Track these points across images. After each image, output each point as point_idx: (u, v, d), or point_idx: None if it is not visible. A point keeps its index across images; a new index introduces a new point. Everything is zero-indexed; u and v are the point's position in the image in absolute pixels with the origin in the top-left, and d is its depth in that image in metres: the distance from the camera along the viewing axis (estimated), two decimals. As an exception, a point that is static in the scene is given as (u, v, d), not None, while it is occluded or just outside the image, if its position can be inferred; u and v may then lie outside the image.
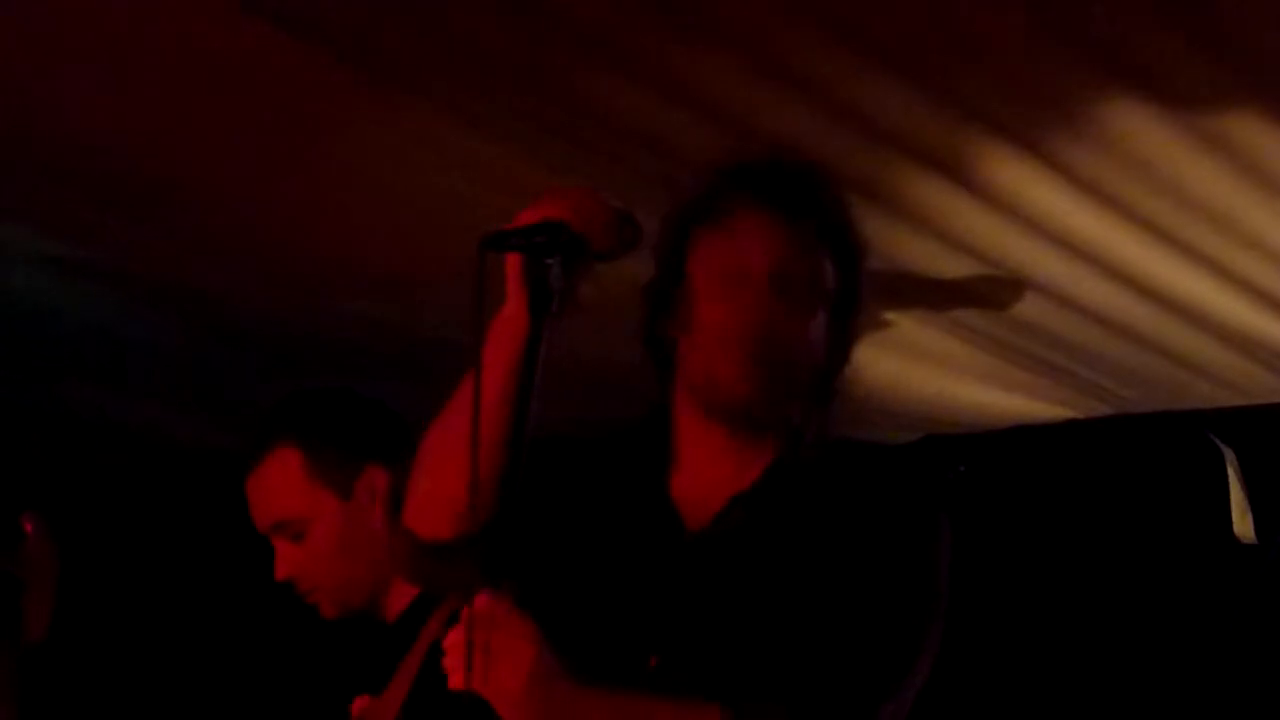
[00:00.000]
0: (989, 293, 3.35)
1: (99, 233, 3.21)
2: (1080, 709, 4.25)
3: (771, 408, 2.10)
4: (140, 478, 4.64)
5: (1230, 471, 4.10)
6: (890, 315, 3.50)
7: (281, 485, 2.68)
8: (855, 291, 2.18)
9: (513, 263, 2.01)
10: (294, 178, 2.96)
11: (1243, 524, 4.05)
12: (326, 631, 2.76)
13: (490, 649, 1.93)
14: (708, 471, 2.13)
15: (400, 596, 2.70)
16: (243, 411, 3.36)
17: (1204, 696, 4.03)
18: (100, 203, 3.06)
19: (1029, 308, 3.43)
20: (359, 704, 2.67)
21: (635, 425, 2.22)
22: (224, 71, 2.57)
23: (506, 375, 1.99)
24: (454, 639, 1.96)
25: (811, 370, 2.13)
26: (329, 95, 2.65)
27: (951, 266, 3.24)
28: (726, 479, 2.13)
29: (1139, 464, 4.22)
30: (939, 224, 3.06)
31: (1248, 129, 2.70)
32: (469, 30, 2.43)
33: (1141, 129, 2.71)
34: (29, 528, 2.68)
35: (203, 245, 3.29)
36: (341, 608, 2.71)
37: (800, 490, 2.11)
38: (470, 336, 1.96)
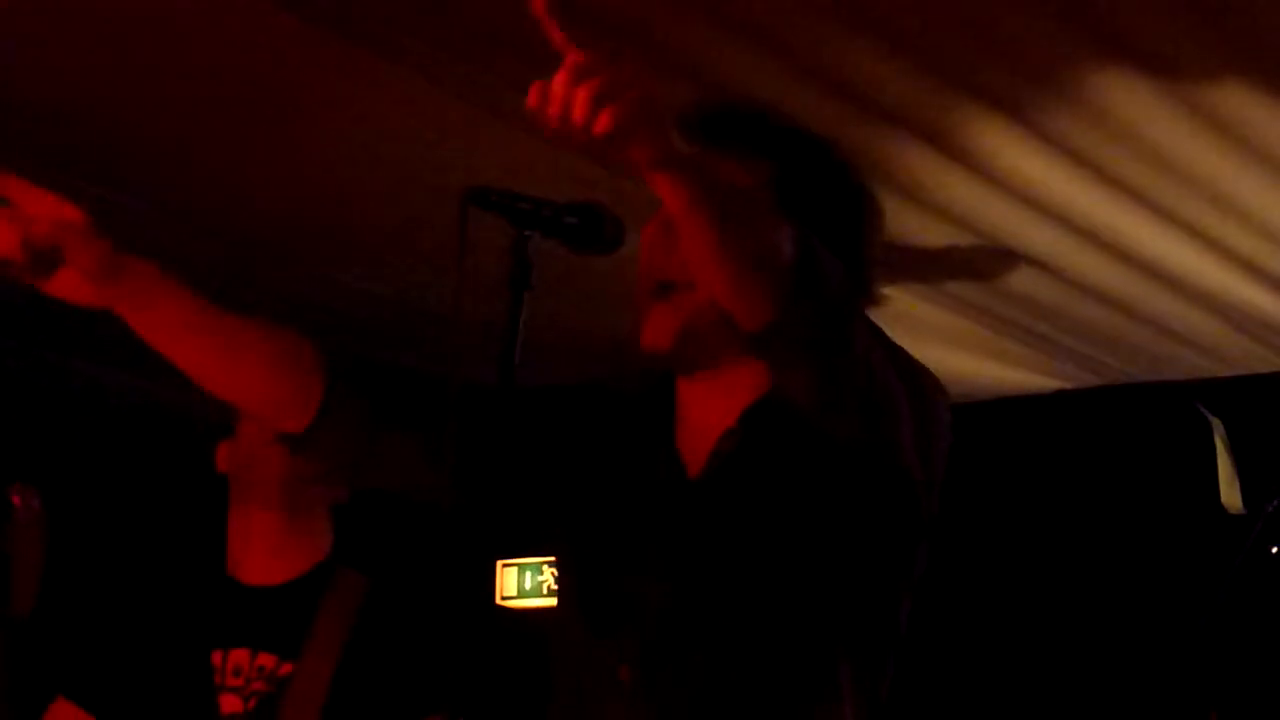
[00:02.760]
0: (979, 264, 3.34)
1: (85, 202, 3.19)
2: (1070, 674, 4.26)
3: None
4: (130, 448, 4.64)
5: (1218, 441, 4.10)
6: (880, 287, 3.49)
7: None
8: (819, 196, 2.08)
9: None
10: (279, 146, 2.95)
11: (1230, 494, 4.06)
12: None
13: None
14: (703, 419, 2.13)
15: (296, 560, 2.81)
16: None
17: (1192, 664, 4.05)
18: (83, 173, 3.05)
19: (1019, 279, 3.43)
20: (262, 659, 2.73)
21: (650, 381, 2.21)
22: (206, 41, 2.56)
23: None
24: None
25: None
26: (316, 64, 2.64)
27: (943, 237, 3.24)
28: (719, 422, 2.12)
29: (1128, 434, 4.23)
30: (930, 195, 3.05)
31: (1237, 102, 2.70)
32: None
33: (1132, 101, 2.71)
34: (16, 500, 2.67)
35: (189, 216, 3.27)
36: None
37: (787, 415, 2.05)
38: (453, 294, 1.93)
